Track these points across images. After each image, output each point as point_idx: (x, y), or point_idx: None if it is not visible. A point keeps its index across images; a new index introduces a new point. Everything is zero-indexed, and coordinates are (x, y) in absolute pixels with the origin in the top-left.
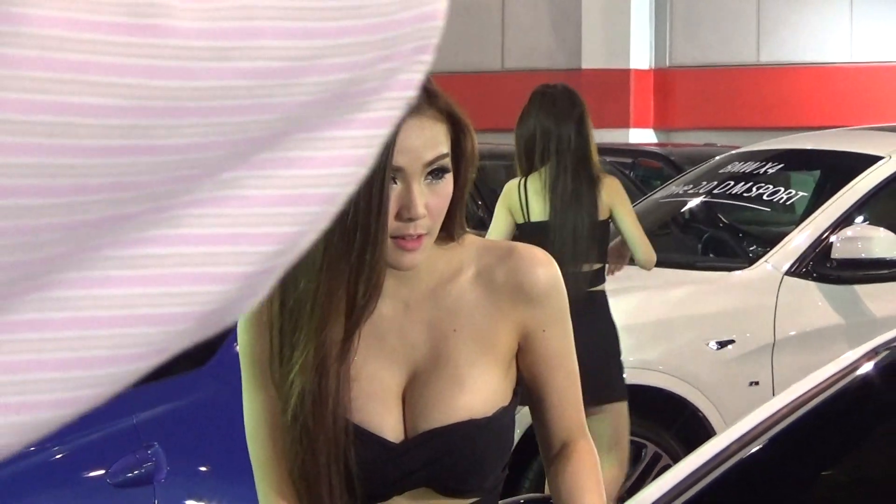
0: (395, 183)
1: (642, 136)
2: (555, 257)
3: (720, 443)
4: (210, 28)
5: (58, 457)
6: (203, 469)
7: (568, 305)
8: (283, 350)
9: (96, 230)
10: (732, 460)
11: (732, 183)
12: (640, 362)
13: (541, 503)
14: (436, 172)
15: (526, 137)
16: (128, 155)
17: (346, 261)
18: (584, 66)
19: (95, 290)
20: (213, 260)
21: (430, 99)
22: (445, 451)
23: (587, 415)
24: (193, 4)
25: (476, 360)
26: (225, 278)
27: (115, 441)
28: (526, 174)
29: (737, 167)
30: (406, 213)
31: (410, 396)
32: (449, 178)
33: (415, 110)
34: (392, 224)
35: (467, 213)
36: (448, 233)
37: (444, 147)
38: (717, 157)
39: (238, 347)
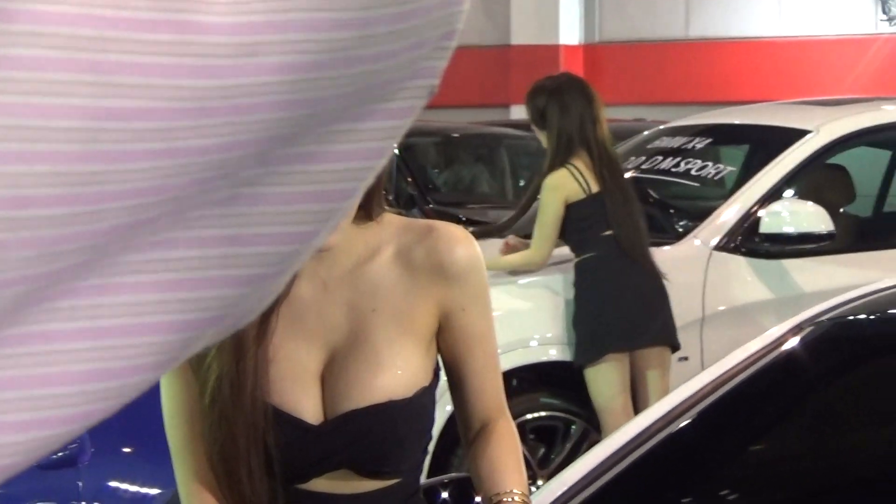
0: None
1: None
2: (617, 220)
3: (647, 418)
4: (239, 23)
5: None
6: (127, 451)
7: (487, 285)
8: None
9: (111, 237)
10: (660, 435)
11: (661, 158)
12: (571, 338)
13: (464, 482)
14: None
15: (570, 129)
16: (151, 159)
17: None
18: (514, 41)
19: (107, 297)
20: (233, 262)
21: None
22: (365, 433)
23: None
24: None
25: (395, 340)
26: (242, 281)
27: None
28: (562, 164)
29: (665, 142)
30: None
31: (329, 377)
32: None
33: None
34: None
35: (398, 190)
36: (366, 212)
37: None
38: (645, 133)
39: None
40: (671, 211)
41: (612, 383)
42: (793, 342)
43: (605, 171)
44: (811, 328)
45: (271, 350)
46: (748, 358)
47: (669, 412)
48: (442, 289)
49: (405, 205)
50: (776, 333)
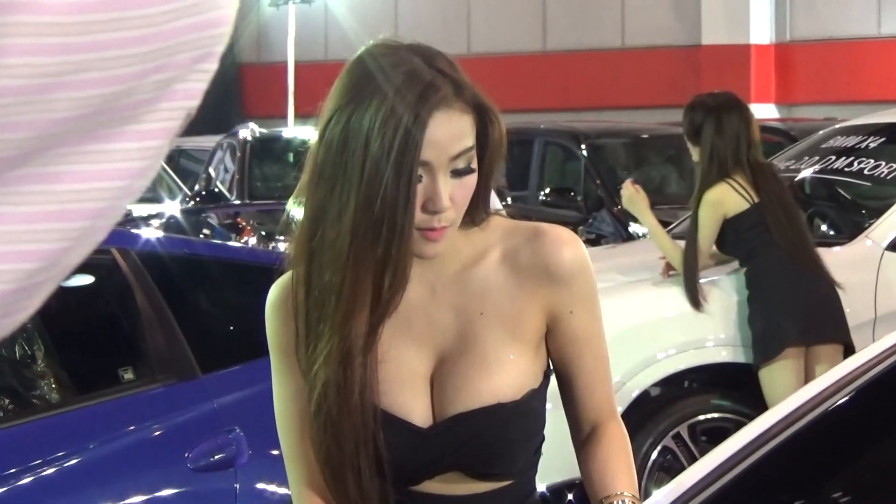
0: (422, 176)
1: (764, 111)
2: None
3: (766, 421)
4: None
5: (139, 442)
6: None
7: (596, 286)
8: (309, 339)
9: None
10: (779, 438)
11: (834, 158)
12: (745, 339)
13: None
14: (462, 165)
15: (724, 150)
16: None
17: (373, 254)
18: (704, 42)
19: None
20: None
21: (458, 91)
22: (474, 435)
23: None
24: None
25: (503, 343)
26: None
27: (195, 426)
28: (719, 179)
29: (839, 141)
30: (431, 206)
31: (438, 380)
32: (475, 169)
33: (444, 104)
34: (417, 216)
35: (585, 192)
36: (471, 217)
37: (470, 139)
38: (820, 132)
39: (267, 334)
40: (843, 211)
41: (787, 384)
42: None
43: (762, 183)
44: None
45: (380, 353)
46: (874, 358)
47: (788, 415)
48: (549, 291)
49: (592, 206)
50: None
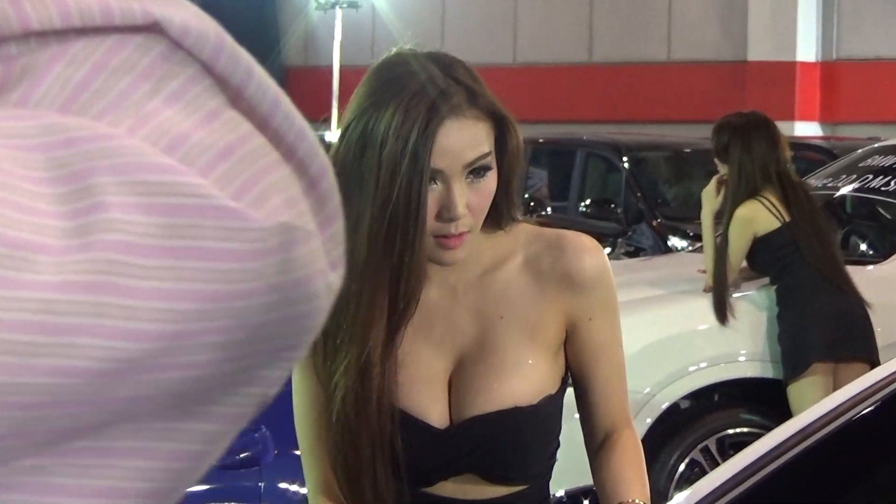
0: (436, 183)
1: (808, 129)
2: (811, 250)
3: (785, 431)
4: (19, 321)
5: None
6: None
7: (615, 295)
8: (327, 349)
9: None
10: (796, 449)
11: (871, 177)
12: (775, 355)
13: (587, 493)
14: (477, 171)
15: (752, 169)
16: None
17: (388, 263)
18: (750, 58)
19: None
20: None
21: (471, 99)
22: (490, 438)
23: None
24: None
25: (522, 348)
26: None
27: None
28: (748, 195)
29: (877, 160)
30: (447, 214)
31: (456, 382)
32: (492, 175)
33: (455, 112)
34: (433, 224)
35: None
36: (495, 222)
37: (486, 146)
38: (859, 151)
39: None
40: (880, 230)
41: (814, 400)
42: None
43: (794, 201)
44: None
45: (401, 353)
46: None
47: (808, 425)
48: (569, 297)
49: (632, 219)
50: None
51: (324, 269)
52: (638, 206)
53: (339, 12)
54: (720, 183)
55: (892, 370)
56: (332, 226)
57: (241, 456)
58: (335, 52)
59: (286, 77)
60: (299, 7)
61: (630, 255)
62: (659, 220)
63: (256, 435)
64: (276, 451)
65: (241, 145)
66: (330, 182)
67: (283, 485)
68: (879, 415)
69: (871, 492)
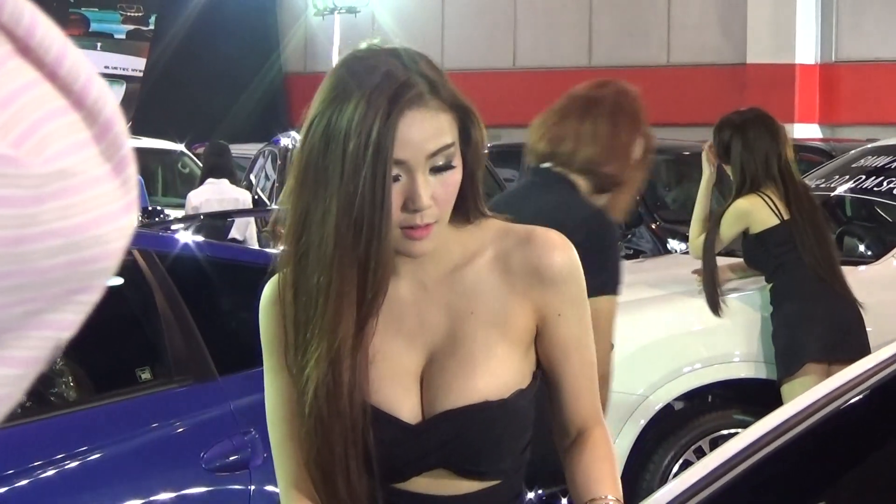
0: (400, 175)
1: (807, 131)
2: (807, 249)
3: (761, 428)
4: None
5: (155, 442)
6: None
7: (585, 291)
8: (297, 342)
9: None
10: (772, 445)
11: (864, 177)
12: (769, 356)
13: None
14: (441, 162)
15: (754, 166)
16: None
17: (355, 255)
18: (750, 61)
19: None
20: None
21: (433, 90)
22: (460, 433)
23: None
24: None
25: (492, 343)
26: None
27: (211, 427)
28: (750, 191)
29: (869, 161)
30: (412, 205)
31: (427, 378)
32: (457, 166)
33: (416, 103)
34: (399, 216)
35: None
36: (464, 215)
37: (449, 137)
38: (852, 152)
39: (260, 332)
40: (871, 230)
41: None
42: None
43: (795, 200)
44: None
45: (371, 349)
46: (872, 367)
47: (792, 416)
48: (539, 293)
49: (632, 222)
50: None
51: (114, 212)
52: (637, 210)
53: (337, 18)
54: (711, 151)
55: (872, 364)
56: (125, 171)
57: (231, 459)
58: (334, 57)
59: (286, 83)
60: (298, 13)
61: (629, 258)
62: (658, 223)
63: (246, 438)
64: (265, 455)
65: (23, 93)
66: (121, 128)
67: (271, 488)
68: (865, 406)
69: (855, 482)
